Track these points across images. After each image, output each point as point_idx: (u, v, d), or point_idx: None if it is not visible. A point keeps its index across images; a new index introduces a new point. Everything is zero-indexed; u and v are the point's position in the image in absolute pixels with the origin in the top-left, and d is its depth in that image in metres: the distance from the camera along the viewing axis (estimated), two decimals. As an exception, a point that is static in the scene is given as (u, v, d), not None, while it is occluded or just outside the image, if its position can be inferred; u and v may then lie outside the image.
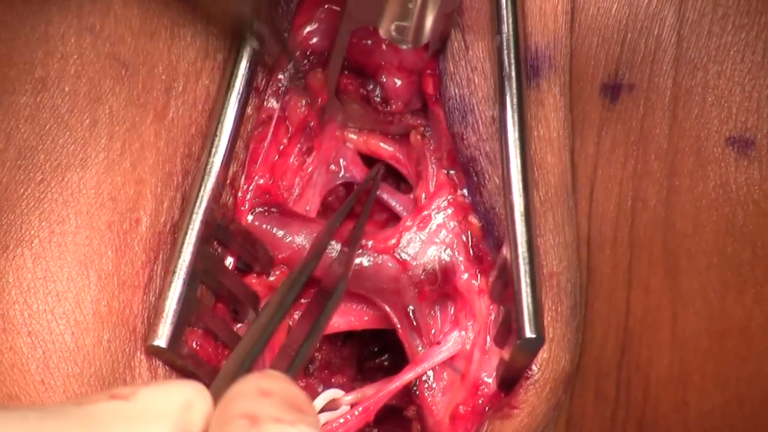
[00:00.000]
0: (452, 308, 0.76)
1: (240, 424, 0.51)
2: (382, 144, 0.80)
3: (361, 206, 0.78)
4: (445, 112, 0.74)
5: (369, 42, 0.76)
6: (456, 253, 0.75)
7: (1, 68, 0.70)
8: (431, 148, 0.77)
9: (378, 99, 0.77)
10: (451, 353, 0.75)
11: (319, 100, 0.76)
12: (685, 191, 0.75)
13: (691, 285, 0.75)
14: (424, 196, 0.77)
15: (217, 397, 0.55)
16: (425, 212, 0.76)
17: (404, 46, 0.69)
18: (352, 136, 0.80)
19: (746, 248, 0.75)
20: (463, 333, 0.75)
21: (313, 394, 0.80)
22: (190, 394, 0.54)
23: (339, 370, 0.85)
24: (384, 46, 0.76)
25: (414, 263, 0.75)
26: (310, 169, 0.78)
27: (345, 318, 0.79)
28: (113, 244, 0.69)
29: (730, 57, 0.74)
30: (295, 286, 0.69)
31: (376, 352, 0.88)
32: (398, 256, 0.75)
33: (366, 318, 0.80)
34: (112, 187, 0.70)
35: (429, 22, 0.67)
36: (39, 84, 0.70)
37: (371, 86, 0.77)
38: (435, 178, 0.77)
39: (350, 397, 0.78)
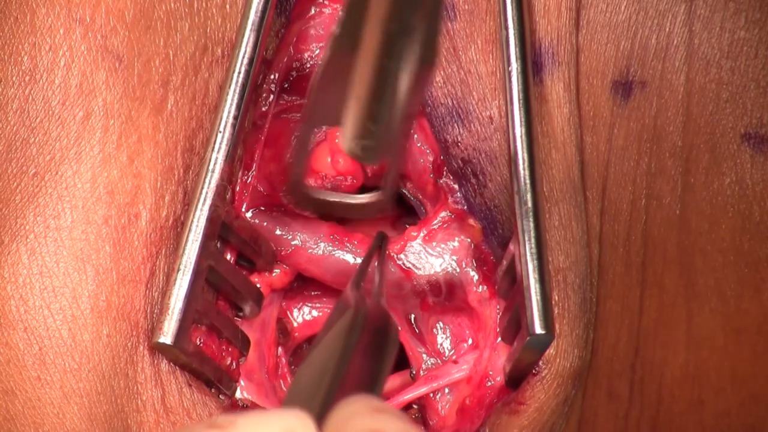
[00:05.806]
0: (468, 331, 0.74)
1: None
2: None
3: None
4: (431, 122, 0.73)
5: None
6: (464, 265, 0.73)
7: None
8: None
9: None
10: (466, 374, 0.73)
11: None
12: (700, 188, 0.74)
13: (706, 283, 0.74)
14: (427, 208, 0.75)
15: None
16: (430, 226, 0.74)
17: (366, 163, 0.68)
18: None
19: (763, 245, 0.74)
20: (479, 353, 0.73)
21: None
22: (292, 422, 0.51)
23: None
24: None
25: (418, 273, 0.73)
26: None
27: None
28: (111, 239, 0.68)
29: (744, 53, 0.73)
30: (355, 328, 0.63)
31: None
32: (402, 265, 0.73)
33: None
34: (109, 181, 0.68)
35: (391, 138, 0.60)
36: (27, 76, 0.68)
37: None
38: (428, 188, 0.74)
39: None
